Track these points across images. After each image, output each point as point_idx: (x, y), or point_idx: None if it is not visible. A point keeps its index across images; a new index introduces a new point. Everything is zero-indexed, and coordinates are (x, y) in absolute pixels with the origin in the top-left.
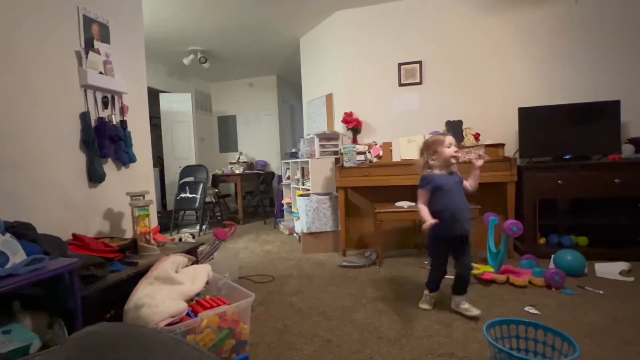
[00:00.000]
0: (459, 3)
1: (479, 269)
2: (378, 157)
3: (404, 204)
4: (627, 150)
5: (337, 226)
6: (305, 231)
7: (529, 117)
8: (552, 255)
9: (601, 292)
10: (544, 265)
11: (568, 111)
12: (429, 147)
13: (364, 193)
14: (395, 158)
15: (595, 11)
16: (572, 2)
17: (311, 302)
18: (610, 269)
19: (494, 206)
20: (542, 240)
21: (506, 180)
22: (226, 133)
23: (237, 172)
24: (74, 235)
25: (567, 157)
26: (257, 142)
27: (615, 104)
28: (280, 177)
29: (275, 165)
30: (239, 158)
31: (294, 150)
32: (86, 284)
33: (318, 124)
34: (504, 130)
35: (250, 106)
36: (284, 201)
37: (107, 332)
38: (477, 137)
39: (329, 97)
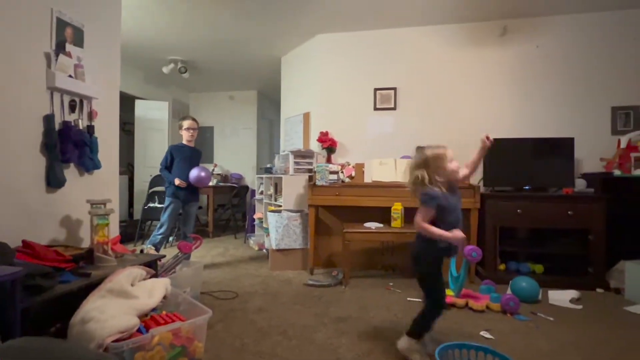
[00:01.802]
0: (435, 37)
1: None
2: (350, 177)
3: (373, 225)
4: (580, 184)
5: (306, 244)
6: (274, 247)
7: (494, 148)
8: (510, 282)
9: (552, 318)
10: (502, 291)
11: (529, 145)
12: (435, 163)
13: (335, 212)
14: (367, 179)
15: (554, 55)
16: (534, 45)
17: (273, 320)
18: (561, 297)
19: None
20: (502, 267)
21: (470, 207)
22: (202, 144)
23: (210, 184)
24: (23, 242)
25: (527, 187)
26: (234, 155)
27: (570, 141)
28: (253, 191)
29: (251, 179)
30: (213, 170)
31: (268, 165)
32: (30, 295)
33: (294, 141)
34: (470, 159)
35: (229, 119)
36: (255, 216)
37: (28, 347)
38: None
39: (307, 116)
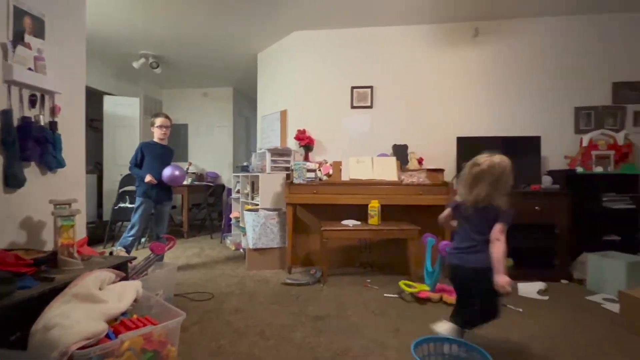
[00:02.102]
0: (411, 36)
1: (416, 287)
2: (328, 175)
3: (350, 223)
4: (546, 181)
5: (284, 243)
6: (251, 247)
7: (466, 146)
8: None
9: (521, 310)
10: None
11: (499, 143)
12: (505, 176)
13: (313, 210)
14: (345, 177)
15: (522, 57)
16: (505, 47)
17: (250, 320)
18: (530, 289)
19: (432, 227)
20: None
21: (444, 204)
22: (176, 142)
23: (185, 183)
24: None
25: None
26: (209, 154)
27: (537, 140)
28: (230, 190)
29: (227, 177)
30: (187, 169)
31: (245, 163)
32: None
33: (271, 139)
34: (444, 157)
35: (204, 116)
36: (232, 215)
37: None
38: (420, 161)
39: (284, 114)
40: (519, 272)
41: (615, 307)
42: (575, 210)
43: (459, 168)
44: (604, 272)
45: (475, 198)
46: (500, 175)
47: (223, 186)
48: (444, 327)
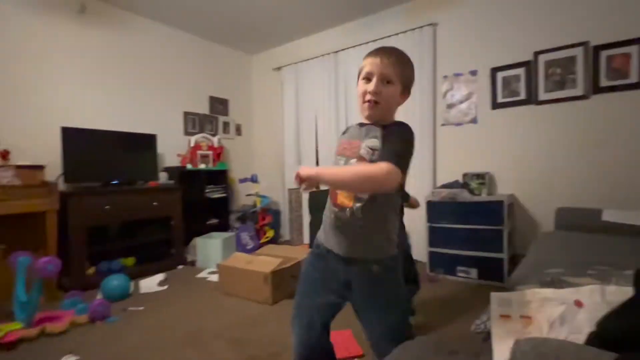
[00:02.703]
0: None
1: (1, 329)
2: None
3: None
4: (163, 177)
5: None
6: None
7: (75, 139)
8: (101, 284)
9: (142, 308)
10: (93, 297)
11: (117, 138)
12: None
13: None
14: None
15: (139, 54)
16: (115, 34)
17: None
18: (150, 283)
19: (27, 243)
20: (91, 270)
21: (45, 209)
22: None
23: None
24: None
25: (115, 182)
26: None
27: (153, 137)
28: None
29: None
30: None
31: None
32: None
33: None
34: (46, 150)
35: None
36: None
37: None
38: (4, 155)
39: None
40: (141, 269)
41: (215, 277)
42: (186, 202)
43: (67, 164)
44: (208, 250)
45: None
46: None
47: None
48: None
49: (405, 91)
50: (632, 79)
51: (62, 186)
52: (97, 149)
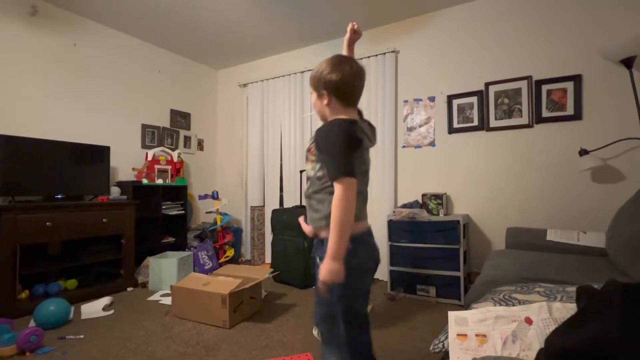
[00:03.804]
0: None
1: None
2: None
3: None
4: (115, 192)
5: None
6: None
7: (13, 148)
8: (35, 310)
9: (82, 336)
10: (25, 324)
11: (64, 149)
12: None
13: None
14: None
15: (92, 62)
16: (71, 41)
17: None
18: (94, 308)
19: None
20: (24, 294)
21: None
22: None
23: None
24: None
25: (59, 196)
26: None
27: (107, 149)
28: None
29: None
30: None
31: None
32: None
33: None
34: None
35: None
36: None
37: None
38: None
39: None
40: (84, 292)
41: (168, 300)
42: (140, 218)
43: (2, 176)
44: (162, 271)
45: None
46: None
47: None
48: None
49: (320, 95)
50: (569, 112)
51: None
52: (40, 159)
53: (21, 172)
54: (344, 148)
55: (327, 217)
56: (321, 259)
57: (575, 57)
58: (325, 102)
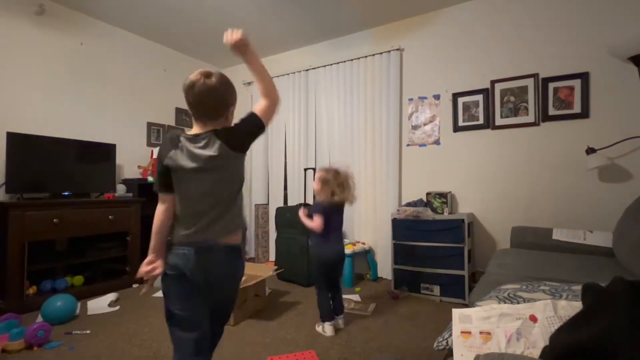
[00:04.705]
0: None
1: None
2: None
3: None
4: (121, 189)
5: None
6: None
7: (21, 146)
8: (42, 306)
9: (88, 331)
10: (33, 319)
11: (71, 147)
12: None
13: None
14: None
15: (100, 59)
16: (78, 40)
17: None
18: (100, 304)
19: None
20: (32, 290)
21: None
22: None
23: None
24: None
25: (67, 193)
26: None
27: (113, 147)
28: None
29: None
30: None
31: None
32: None
33: None
34: None
35: None
36: None
37: None
38: None
39: None
40: (90, 289)
41: None
42: (145, 216)
43: (11, 173)
44: None
45: (345, 198)
46: (348, 180)
47: None
48: (329, 329)
49: None
50: (576, 110)
51: (3, 197)
52: (48, 157)
53: (29, 169)
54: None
55: None
56: None
57: (583, 55)
58: None
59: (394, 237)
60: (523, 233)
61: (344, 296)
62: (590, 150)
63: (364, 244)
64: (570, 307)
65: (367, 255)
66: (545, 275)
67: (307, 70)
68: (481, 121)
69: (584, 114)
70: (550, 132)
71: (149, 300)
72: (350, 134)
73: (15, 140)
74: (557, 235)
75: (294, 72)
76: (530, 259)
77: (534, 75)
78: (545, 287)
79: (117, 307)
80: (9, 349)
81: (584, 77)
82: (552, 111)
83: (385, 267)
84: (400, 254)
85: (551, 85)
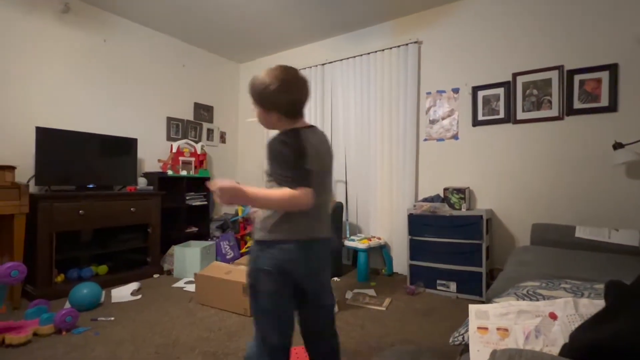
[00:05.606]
0: None
1: None
2: None
3: None
4: (142, 182)
5: None
6: None
7: (50, 140)
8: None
9: (112, 318)
10: (61, 306)
11: (95, 141)
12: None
13: None
14: None
15: (122, 56)
16: (101, 37)
17: None
18: (123, 292)
19: None
20: (59, 278)
21: (14, 212)
22: None
23: None
24: None
25: (91, 186)
26: None
27: (134, 141)
28: None
29: None
30: None
31: None
32: None
33: None
34: (17, 151)
35: None
36: None
37: None
38: None
39: None
40: (114, 278)
41: (192, 287)
42: (165, 209)
43: (40, 166)
44: (186, 259)
45: None
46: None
47: None
48: None
49: (266, 110)
50: (603, 103)
51: (32, 189)
52: (74, 151)
53: (56, 162)
54: (290, 161)
55: None
56: None
57: (611, 45)
58: (273, 116)
59: (410, 232)
60: (544, 230)
61: (359, 290)
62: (618, 145)
63: (379, 238)
64: (592, 305)
65: (382, 250)
66: (567, 273)
67: (323, 64)
68: (502, 115)
69: (612, 107)
70: (575, 126)
71: (169, 291)
72: (366, 128)
73: (44, 135)
74: (580, 232)
75: (310, 67)
76: (551, 257)
77: (559, 68)
78: (567, 285)
79: (139, 296)
80: (40, 333)
81: (612, 68)
82: (577, 105)
83: (400, 263)
84: (416, 249)
85: (577, 78)
